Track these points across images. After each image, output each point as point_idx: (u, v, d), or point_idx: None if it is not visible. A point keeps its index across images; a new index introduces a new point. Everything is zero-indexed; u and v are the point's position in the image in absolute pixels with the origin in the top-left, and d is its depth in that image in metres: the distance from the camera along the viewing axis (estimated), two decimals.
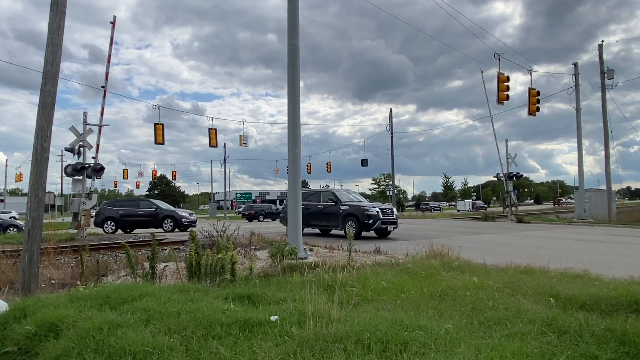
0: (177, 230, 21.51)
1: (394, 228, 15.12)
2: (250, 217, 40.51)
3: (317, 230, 17.09)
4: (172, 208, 24.16)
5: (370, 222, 14.14)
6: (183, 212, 23.13)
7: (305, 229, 16.35)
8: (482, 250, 10.74)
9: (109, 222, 21.61)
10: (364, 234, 14.66)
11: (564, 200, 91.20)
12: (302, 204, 16.26)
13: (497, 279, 5.35)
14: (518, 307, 4.05)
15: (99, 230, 21.76)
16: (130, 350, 2.95)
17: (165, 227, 21.64)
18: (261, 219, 39.90)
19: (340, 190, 17.89)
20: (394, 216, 15.07)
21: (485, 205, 69.66)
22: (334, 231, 16.24)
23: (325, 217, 15.69)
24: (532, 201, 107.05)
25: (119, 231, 21.56)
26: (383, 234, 15.02)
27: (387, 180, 72.37)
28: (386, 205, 15.96)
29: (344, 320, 3.46)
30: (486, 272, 6.08)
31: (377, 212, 14.28)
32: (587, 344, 3.07)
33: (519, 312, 3.88)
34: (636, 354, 3.00)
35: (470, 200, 70.99)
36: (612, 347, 3.04)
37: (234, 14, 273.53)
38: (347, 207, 14.94)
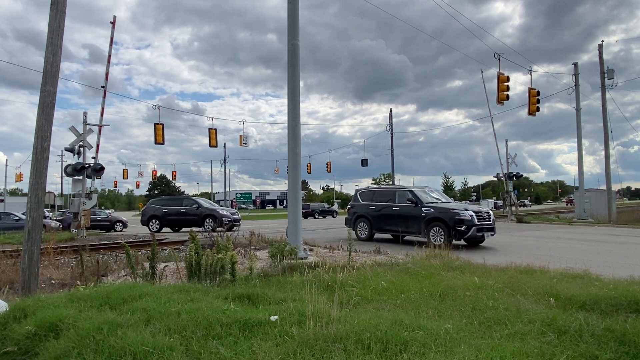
0: (218, 229, 20.45)
1: (491, 235, 12.48)
2: (306, 215, 44.53)
3: (388, 236, 14.73)
4: (213, 206, 22.61)
5: (463, 228, 11.73)
6: (224, 211, 21.93)
7: (376, 235, 14.54)
8: (481, 250, 10.74)
9: (153, 221, 21.31)
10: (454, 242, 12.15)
11: None
12: (372, 205, 14.91)
13: (497, 279, 5.35)
14: (518, 307, 4.05)
15: (145, 229, 21.34)
16: (130, 350, 2.95)
17: (207, 226, 20.45)
18: (316, 216, 47.20)
19: (419, 188, 14.88)
20: (491, 220, 12.58)
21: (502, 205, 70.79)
22: (408, 237, 13.86)
23: (403, 221, 13.34)
24: (530, 202, 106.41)
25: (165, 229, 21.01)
26: (477, 242, 12.56)
27: (387, 181, 72.45)
28: (481, 208, 13.56)
29: (344, 320, 3.45)
30: (486, 272, 6.08)
31: (471, 216, 11.90)
32: (587, 344, 3.07)
33: (519, 312, 3.88)
34: (636, 354, 2.99)
35: (493, 200, 72.34)
36: (612, 347, 3.04)
37: (233, 14, 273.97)
38: (432, 210, 12.59)
